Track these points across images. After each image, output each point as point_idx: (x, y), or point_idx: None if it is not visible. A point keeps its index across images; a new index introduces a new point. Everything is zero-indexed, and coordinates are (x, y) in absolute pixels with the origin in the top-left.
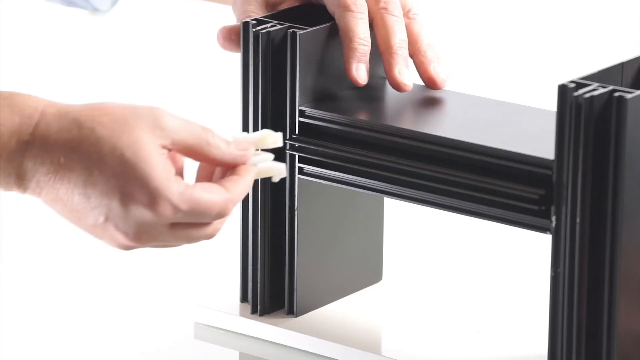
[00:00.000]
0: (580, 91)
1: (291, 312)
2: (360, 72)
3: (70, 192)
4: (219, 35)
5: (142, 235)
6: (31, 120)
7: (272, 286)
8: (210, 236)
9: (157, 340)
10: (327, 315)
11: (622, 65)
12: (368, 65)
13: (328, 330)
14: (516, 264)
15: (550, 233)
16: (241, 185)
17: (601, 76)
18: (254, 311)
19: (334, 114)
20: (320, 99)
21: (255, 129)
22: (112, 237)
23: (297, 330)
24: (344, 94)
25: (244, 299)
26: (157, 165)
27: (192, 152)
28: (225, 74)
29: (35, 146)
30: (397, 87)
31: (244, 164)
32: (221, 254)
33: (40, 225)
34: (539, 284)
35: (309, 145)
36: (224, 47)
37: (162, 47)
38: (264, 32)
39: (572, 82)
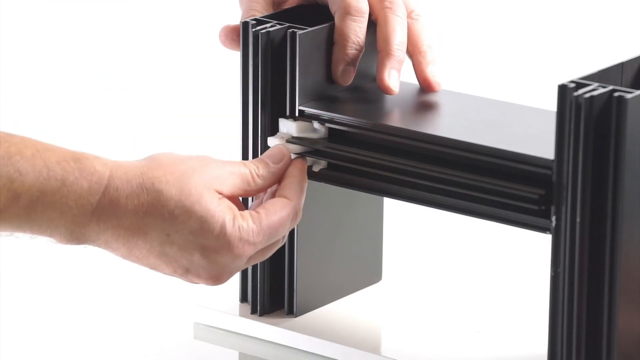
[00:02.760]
0: (580, 91)
1: (291, 312)
2: (345, 75)
3: (146, 252)
4: (221, 34)
5: (224, 276)
6: (99, 186)
7: (271, 286)
8: (278, 247)
9: (157, 340)
10: (326, 316)
11: (622, 65)
12: (355, 69)
13: (328, 331)
14: (516, 264)
15: (550, 233)
16: (296, 186)
17: (601, 76)
18: (253, 311)
19: (333, 114)
20: (320, 99)
21: (255, 128)
22: (192, 281)
23: (296, 330)
24: (344, 94)
25: (243, 299)
26: (226, 213)
27: (243, 192)
28: (225, 74)
29: (104, 212)
30: (384, 88)
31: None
32: None
33: None
34: (539, 284)
35: (309, 145)
36: (226, 46)
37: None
38: (263, 32)
39: (572, 82)
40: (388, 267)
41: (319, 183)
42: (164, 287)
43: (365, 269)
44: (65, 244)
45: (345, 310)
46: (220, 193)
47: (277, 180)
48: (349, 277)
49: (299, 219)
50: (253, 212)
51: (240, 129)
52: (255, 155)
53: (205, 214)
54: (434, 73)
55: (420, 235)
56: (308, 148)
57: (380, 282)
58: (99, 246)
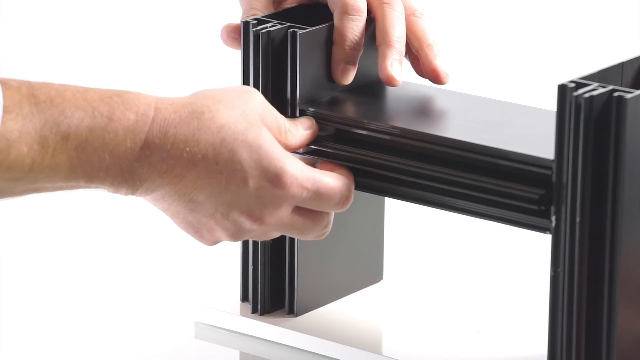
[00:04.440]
0: (580, 91)
1: (291, 311)
2: (345, 74)
3: (191, 185)
4: (222, 33)
5: (266, 216)
6: (146, 117)
7: (272, 286)
8: (321, 234)
9: (157, 339)
10: (327, 315)
11: (622, 65)
12: (355, 68)
13: (328, 330)
14: (516, 264)
15: (550, 233)
16: (350, 178)
17: (601, 76)
18: (254, 311)
19: (334, 114)
20: (321, 98)
21: None
22: (226, 226)
23: (297, 329)
24: (344, 94)
25: (244, 298)
26: (277, 146)
27: (274, 135)
28: (226, 73)
29: (153, 143)
30: (387, 80)
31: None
32: (221, 254)
33: (40, 225)
34: (539, 284)
35: (309, 145)
36: (227, 44)
37: (163, 46)
38: (264, 32)
39: (572, 82)
40: (389, 267)
41: None
42: (165, 286)
43: (366, 269)
44: (117, 191)
45: (346, 310)
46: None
47: (301, 145)
48: (349, 276)
49: (347, 206)
50: (310, 166)
51: None
52: None
53: (256, 142)
54: (442, 65)
55: (421, 235)
56: (310, 147)
57: (381, 281)
58: (148, 188)
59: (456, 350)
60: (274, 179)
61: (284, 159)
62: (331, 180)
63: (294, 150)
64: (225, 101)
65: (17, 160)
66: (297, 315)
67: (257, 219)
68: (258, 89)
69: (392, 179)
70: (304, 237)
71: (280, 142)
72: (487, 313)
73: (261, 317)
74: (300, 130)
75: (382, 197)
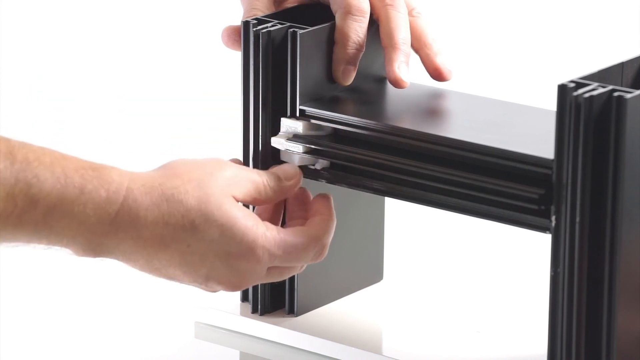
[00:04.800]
0: (580, 91)
1: (292, 311)
2: (345, 74)
3: (166, 263)
4: (223, 34)
5: (242, 283)
6: (117, 196)
7: (272, 286)
8: (298, 271)
9: (158, 339)
10: (327, 315)
11: (622, 65)
12: (355, 69)
13: (329, 330)
14: (516, 264)
15: (550, 232)
16: (325, 224)
17: (601, 76)
18: (254, 311)
19: (334, 114)
20: (321, 98)
21: (256, 128)
22: (211, 289)
23: (297, 329)
24: (344, 94)
25: (244, 298)
26: (246, 220)
27: (252, 200)
28: (226, 73)
29: (122, 223)
30: (395, 82)
31: (294, 191)
32: None
33: None
34: (539, 284)
35: (310, 145)
36: (228, 46)
37: (164, 46)
38: (264, 32)
39: (572, 82)
40: (389, 267)
41: (320, 182)
42: (165, 286)
43: (366, 269)
44: (82, 255)
45: (346, 310)
46: (234, 197)
47: (285, 197)
48: (350, 276)
49: (323, 256)
50: (278, 227)
51: (241, 128)
52: (255, 155)
53: (227, 221)
54: (443, 62)
55: (421, 235)
56: (310, 147)
57: (382, 281)
58: (116, 258)
59: (456, 350)
60: (246, 254)
61: (254, 233)
62: (302, 240)
63: (277, 201)
64: (194, 180)
65: None
66: (297, 315)
67: (235, 286)
68: (259, 89)
69: (392, 178)
70: (282, 279)
71: (259, 200)
72: (487, 313)
73: (261, 317)
74: (282, 182)
75: (382, 197)
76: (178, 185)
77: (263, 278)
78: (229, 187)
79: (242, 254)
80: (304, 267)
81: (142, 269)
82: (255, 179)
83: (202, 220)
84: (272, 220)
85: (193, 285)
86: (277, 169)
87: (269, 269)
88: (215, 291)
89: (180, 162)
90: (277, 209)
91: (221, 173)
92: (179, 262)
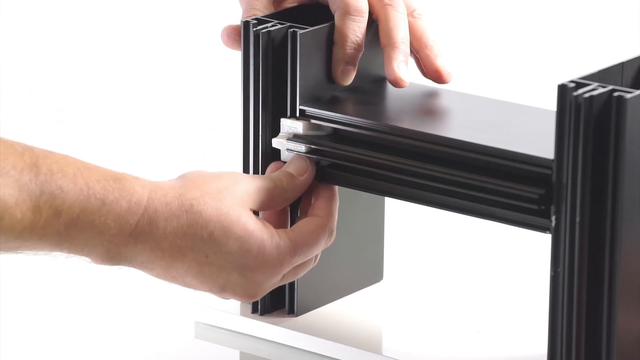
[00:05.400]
0: (580, 91)
1: (292, 311)
2: (345, 75)
3: (183, 272)
4: (222, 34)
5: (259, 293)
6: (138, 207)
7: None
8: (311, 266)
9: (158, 339)
10: (327, 315)
11: (622, 65)
12: (355, 69)
13: (329, 330)
14: (516, 264)
15: (550, 232)
16: (328, 205)
17: (601, 76)
18: (254, 310)
19: (334, 114)
20: (321, 98)
21: (256, 128)
22: (225, 298)
23: (297, 329)
24: (344, 94)
25: None
26: (263, 233)
27: (271, 206)
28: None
29: (142, 233)
30: (395, 81)
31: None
32: None
33: None
34: (539, 284)
35: (310, 145)
36: (228, 46)
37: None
38: (264, 32)
39: (572, 82)
40: (389, 267)
41: (319, 183)
42: (166, 286)
43: (366, 269)
44: (101, 263)
45: (346, 310)
46: (251, 210)
47: (301, 192)
48: (350, 276)
49: (333, 237)
50: (288, 231)
51: (241, 128)
52: (256, 156)
53: (244, 234)
54: (443, 64)
55: (421, 235)
56: (310, 147)
57: (382, 281)
58: (134, 266)
59: (456, 350)
60: (263, 267)
61: (270, 246)
62: (312, 235)
63: (296, 198)
64: (212, 192)
65: (9, 225)
66: (297, 315)
67: (251, 296)
68: (258, 89)
69: (392, 178)
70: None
71: (278, 204)
72: (487, 313)
73: (261, 317)
74: (296, 179)
75: (382, 197)
76: (197, 196)
77: (278, 283)
78: (246, 199)
79: (259, 267)
80: (317, 260)
81: (159, 276)
82: (270, 186)
83: (221, 232)
84: (281, 221)
85: (208, 293)
86: (288, 166)
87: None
88: (229, 299)
89: (198, 174)
90: (283, 211)
91: (238, 186)
92: (196, 272)
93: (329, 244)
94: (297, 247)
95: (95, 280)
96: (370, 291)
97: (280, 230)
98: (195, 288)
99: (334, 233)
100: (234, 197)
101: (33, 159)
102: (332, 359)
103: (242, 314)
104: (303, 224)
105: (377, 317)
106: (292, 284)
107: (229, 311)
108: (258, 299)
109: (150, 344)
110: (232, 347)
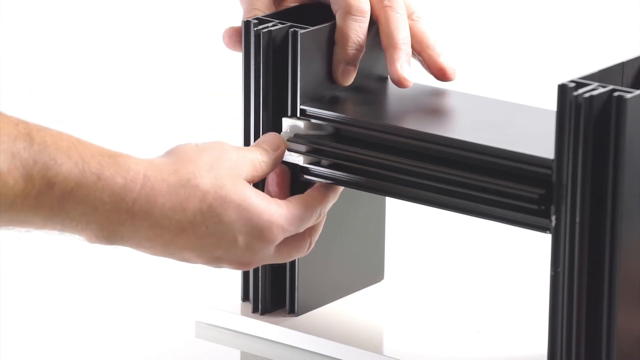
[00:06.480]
0: (580, 91)
1: (292, 311)
2: (345, 75)
3: (182, 246)
4: (224, 36)
5: (252, 263)
6: (134, 184)
7: (273, 285)
8: (305, 251)
9: (159, 339)
10: (328, 315)
11: (622, 65)
12: (355, 69)
13: (329, 330)
14: (516, 263)
15: (550, 232)
16: (322, 189)
17: (601, 76)
18: (255, 310)
19: (335, 114)
20: (321, 98)
21: (256, 128)
22: (218, 266)
23: (298, 329)
24: (345, 93)
25: (245, 298)
26: (259, 200)
27: (252, 178)
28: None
29: (140, 211)
30: (398, 82)
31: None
32: None
33: None
34: (539, 284)
35: (311, 144)
36: (229, 47)
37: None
38: (265, 32)
39: (572, 81)
40: (390, 267)
41: (320, 182)
42: (166, 286)
43: (367, 268)
44: (95, 242)
45: (346, 310)
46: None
47: (276, 166)
48: (350, 276)
49: (321, 219)
50: (279, 201)
51: (242, 128)
52: None
53: (242, 201)
54: (447, 62)
55: (421, 234)
56: (311, 147)
57: (382, 281)
58: (130, 245)
59: (456, 350)
60: (263, 234)
61: (269, 212)
62: (303, 207)
63: (270, 172)
64: (205, 165)
65: (2, 193)
66: (297, 315)
67: (245, 264)
68: (259, 89)
69: (393, 178)
70: (289, 260)
71: (257, 177)
72: (487, 313)
73: (262, 316)
74: (270, 153)
75: (383, 196)
76: (193, 170)
77: (271, 257)
78: (237, 168)
79: (257, 233)
80: (310, 248)
81: (156, 254)
82: (252, 158)
83: (220, 202)
84: (280, 196)
85: (203, 264)
86: (263, 143)
87: (277, 247)
88: (222, 267)
89: (187, 148)
90: (283, 184)
91: (227, 155)
92: (194, 245)
93: (315, 222)
94: (290, 215)
95: (96, 280)
96: (371, 291)
97: (279, 200)
98: (191, 261)
99: (323, 217)
100: (225, 167)
101: (27, 130)
102: (333, 358)
103: (243, 313)
104: (297, 198)
105: (378, 317)
106: (292, 284)
107: (229, 311)
108: (251, 268)
109: (150, 343)
110: (232, 347)
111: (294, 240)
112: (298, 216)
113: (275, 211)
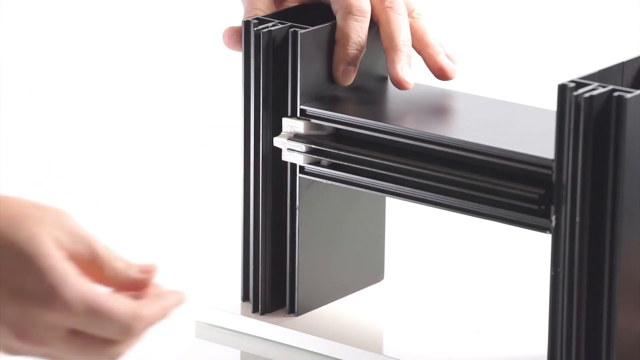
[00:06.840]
0: (580, 91)
1: (292, 311)
2: (345, 75)
3: None
4: (224, 36)
5: (32, 336)
6: None
7: (273, 285)
8: (111, 359)
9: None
10: (328, 315)
11: (622, 65)
12: (356, 69)
13: (329, 330)
14: (516, 263)
15: (550, 232)
16: (158, 307)
17: (601, 76)
18: (255, 310)
19: (335, 114)
20: (322, 98)
21: (257, 128)
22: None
23: (298, 329)
24: (345, 93)
25: (245, 297)
26: (57, 260)
27: (84, 267)
28: (227, 73)
29: None
30: (399, 84)
31: (145, 287)
32: (222, 253)
33: None
34: (539, 284)
35: (311, 144)
36: (230, 47)
37: (164, 47)
38: (265, 31)
39: (572, 81)
40: (390, 267)
41: (320, 182)
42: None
43: (367, 268)
44: None
45: (347, 310)
46: (64, 248)
47: (126, 287)
48: (350, 276)
49: (135, 335)
50: (95, 287)
51: (242, 128)
52: (256, 155)
53: (33, 252)
54: (447, 61)
55: (422, 234)
56: (311, 147)
57: (382, 281)
58: None
59: (456, 350)
60: (41, 297)
61: (57, 276)
62: (113, 304)
63: (114, 284)
64: (16, 208)
65: None
66: (297, 315)
67: (21, 336)
68: (259, 89)
69: (393, 178)
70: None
71: (95, 274)
72: (487, 313)
73: (262, 316)
74: (131, 268)
75: (383, 196)
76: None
77: (61, 347)
78: (57, 226)
79: (37, 296)
80: (116, 358)
81: None
82: (99, 244)
83: (6, 245)
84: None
85: None
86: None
87: (70, 332)
88: (4, 348)
89: (16, 197)
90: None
91: (56, 216)
92: None
93: (127, 344)
94: (88, 302)
95: None
96: (371, 291)
97: (85, 279)
98: None
99: (135, 339)
100: (42, 218)
101: None
102: (333, 358)
103: (243, 313)
104: (117, 296)
105: (378, 316)
106: (292, 284)
107: (229, 310)
108: (27, 350)
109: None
110: (232, 347)
111: (91, 337)
112: (102, 308)
113: (70, 280)
